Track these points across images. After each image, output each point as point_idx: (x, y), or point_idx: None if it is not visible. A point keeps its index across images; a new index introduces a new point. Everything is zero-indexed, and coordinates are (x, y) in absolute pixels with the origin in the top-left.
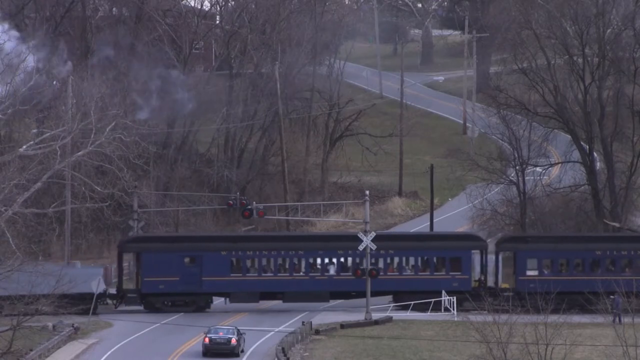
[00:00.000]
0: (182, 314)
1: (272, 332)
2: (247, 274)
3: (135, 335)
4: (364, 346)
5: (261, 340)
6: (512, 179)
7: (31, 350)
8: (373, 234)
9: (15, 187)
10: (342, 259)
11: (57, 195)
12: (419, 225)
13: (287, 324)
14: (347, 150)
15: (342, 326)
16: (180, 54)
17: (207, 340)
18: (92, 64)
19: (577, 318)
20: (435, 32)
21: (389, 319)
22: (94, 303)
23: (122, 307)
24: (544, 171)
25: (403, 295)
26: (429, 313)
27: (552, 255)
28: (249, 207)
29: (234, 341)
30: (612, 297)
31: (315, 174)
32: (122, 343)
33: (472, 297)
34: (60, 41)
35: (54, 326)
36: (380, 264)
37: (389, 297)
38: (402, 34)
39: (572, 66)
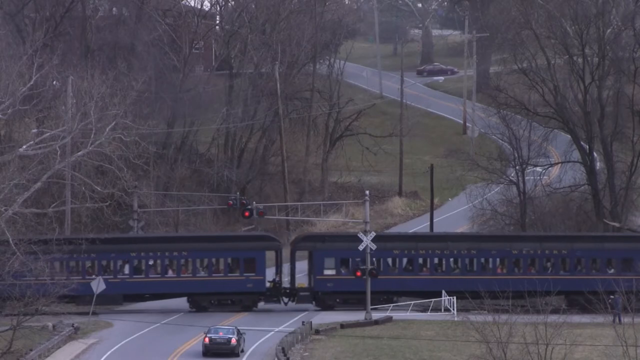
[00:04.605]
0: (182, 313)
1: (272, 332)
2: (40, 278)
3: (135, 335)
4: (364, 346)
5: (261, 340)
6: (512, 179)
7: (31, 350)
8: (373, 234)
9: (15, 187)
10: (135, 262)
11: (57, 195)
12: (419, 225)
13: (287, 324)
14: (347, 150)
15: (342, 326)
16: (180, 54)
17: (207, 340)
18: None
19: (577, 318)
20: (435, 32)
21: (389, 319)
22: (93, 303)
23: None
24: (544, 171)
25: (197, 297)
26: (429, 313)
27: (349, 254)
28: (249, 207)
29: (234, 341)
30: (612, 296)
31: (315, 174)
32: (122, 343)
33: (267, 298)
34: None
35: (54, 326)
36: (175, 266)
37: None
38: (402, 34)
39: (572, 66)
